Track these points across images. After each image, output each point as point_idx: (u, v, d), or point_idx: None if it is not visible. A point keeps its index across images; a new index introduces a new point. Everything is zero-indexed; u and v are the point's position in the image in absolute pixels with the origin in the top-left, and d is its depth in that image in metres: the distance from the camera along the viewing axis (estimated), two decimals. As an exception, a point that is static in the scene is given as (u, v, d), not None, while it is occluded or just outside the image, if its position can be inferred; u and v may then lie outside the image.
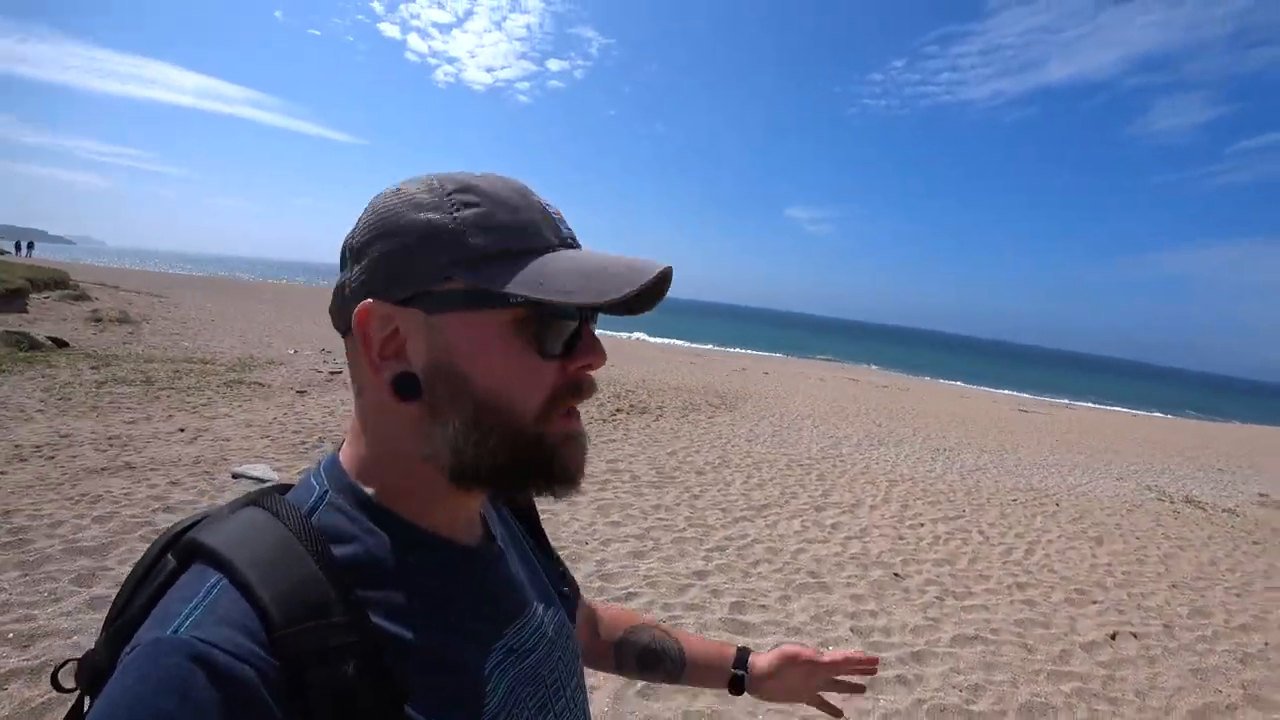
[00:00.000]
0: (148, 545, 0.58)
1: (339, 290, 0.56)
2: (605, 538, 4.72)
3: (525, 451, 0.53)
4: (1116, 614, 4.58)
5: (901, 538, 5.65)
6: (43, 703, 2.42)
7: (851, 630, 3.82)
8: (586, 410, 9.42)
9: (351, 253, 0.54)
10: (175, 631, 0.42)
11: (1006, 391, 33.64)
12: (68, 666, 0.52)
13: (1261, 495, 9.94)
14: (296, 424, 6.74)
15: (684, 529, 5.13)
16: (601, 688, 2.89)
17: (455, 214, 0.51)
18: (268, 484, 0.59)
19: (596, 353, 0.55)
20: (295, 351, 11.52)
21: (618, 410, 9.65)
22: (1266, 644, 4.40)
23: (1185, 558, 6.12)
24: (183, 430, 6.00)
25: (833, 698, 1.02)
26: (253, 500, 0.53)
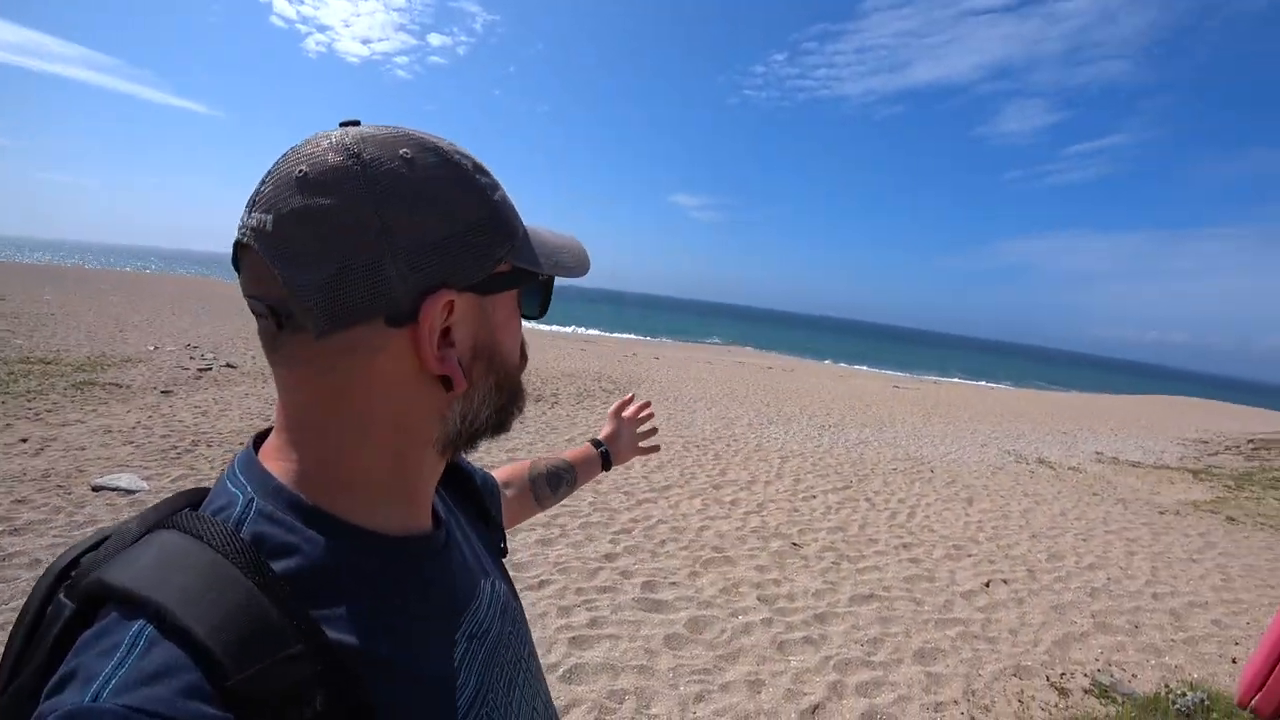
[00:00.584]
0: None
1: (340, 279, 0.44)
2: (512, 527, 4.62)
3: (516, 396, 0.58)
4: (989, 564, 5.05)
5: (796, 509, 5.92)
6: None
7: (758, 599, 3.97)
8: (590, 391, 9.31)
9: (376, 233, 0.44)
10: (95, 698, 0.34)
11: (883, 370, 36.09)
12: None
13: (1098, 453, 11.28)
14: (165, 427, 6.11)
15: (589, 514, 5.12)
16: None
17: (493, 196, 0.51)
18: (158, 497, 0.52)
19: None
20: (155, 347, 10.41)
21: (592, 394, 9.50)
22: (1108, 579, 5.00)
23: (1040, 511, 6.84)
24: (25, 441, 5.26)
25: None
26: (162, 521, 0.45)
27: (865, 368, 37.36)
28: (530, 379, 11.51)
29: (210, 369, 9.01)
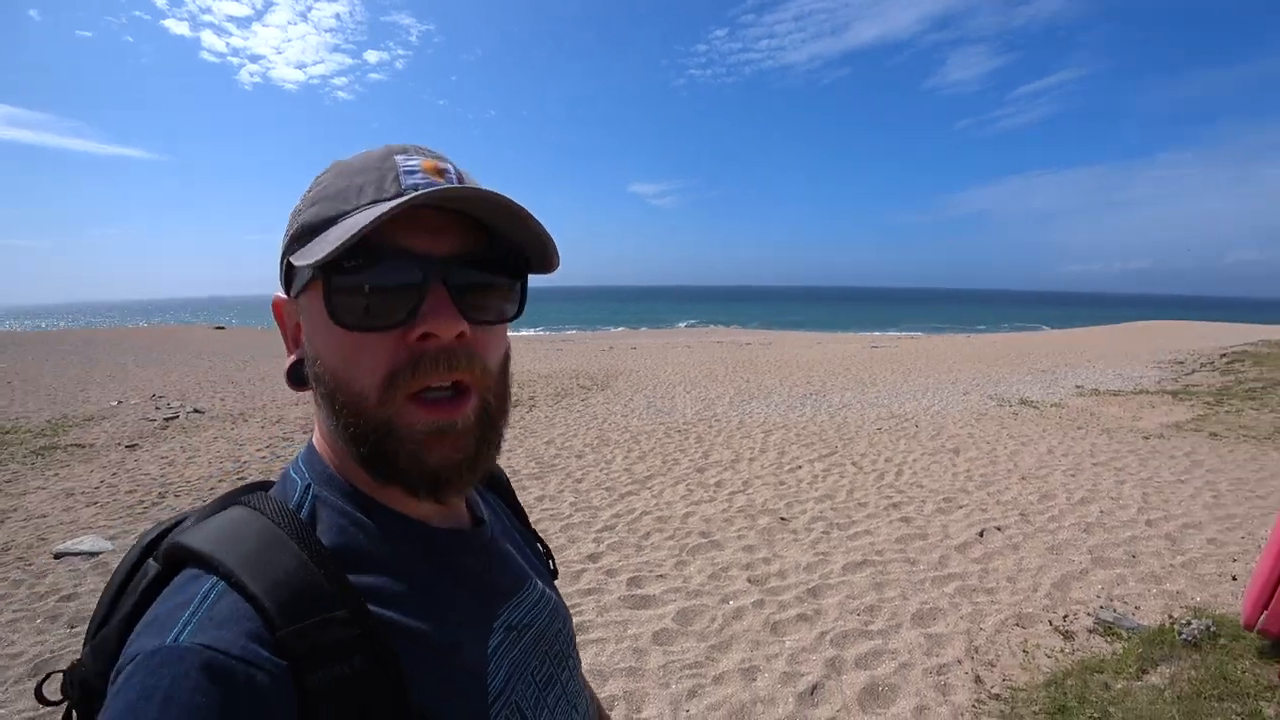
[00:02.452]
0: None
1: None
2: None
3: (373, 441, 0.50)
4: (980, 513, 4.99)
5: (783, 483, 5.83)
6: None
7: (749, 580, 3.86)
8: (562, 392, 9.17)
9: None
10: (176, 640, 0.40)
11: (858, 333, 36.33)
12: (52, 678, 0.53)
13: (1078, 387, 11.36)
14: (130, 482, 5.85)
15: (570, 515, 4.98)
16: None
17: (306, 195, 0.52)
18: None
19: (436, 319, 0.48)
20: (119, 402, 10.06)
21: (560, 397, 9.30)
22: (1101, 512, 4.96)
23: (1028, 452, 6.82)
24: (-20, 516, 5.00)
25: None
26: (234, 500, 0.52)
27: (842, 332, 37.58)
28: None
29: (177, 417, 8.73)
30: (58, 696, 0.50)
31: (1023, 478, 5.90)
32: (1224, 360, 13.88)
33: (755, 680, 2.91)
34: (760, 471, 6.18)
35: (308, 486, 0.53)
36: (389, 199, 0.48)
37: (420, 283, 0.48)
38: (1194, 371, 12.76)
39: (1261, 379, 11.07)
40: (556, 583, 0.76)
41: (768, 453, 6.89)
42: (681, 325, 44.10)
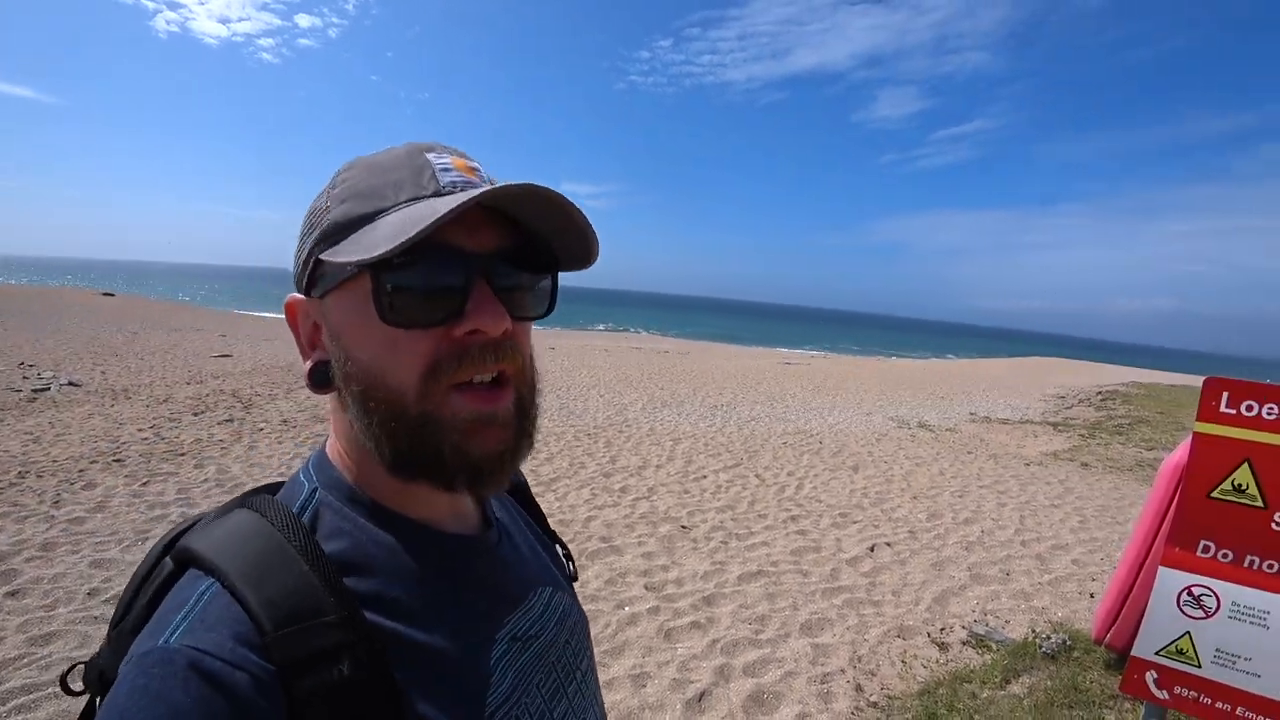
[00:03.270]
0: None
1: None
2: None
3: (412, 436, 0.49)
4: (873, 529, 5.22)
5: (687, 491, 5.90)
6: None
7: (646, 587, 3.87)
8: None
9: None
10: (166, 641, 0.42)
11: (773, 348, 37.41)
12: (76, 669, 0.54)
13: (971, 414, 12.12)
14: None
15: (467, 516, 4.87)
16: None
17: (332, 191, 0.52)
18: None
19: (483, 316, 0.49)
20: None
21: None
22: (982, 531, 5.30)
23: (921, 472, 7.20)
24: None
25: None
26: (242, 502, 0.54)
27: (758, 346, 38.60)
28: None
29: (48, 389, 7.92)
30: (80, 687, 0.53)
31: (914, 497, 6.22)
32: (1099, 398, 15.18)
33: (645, 687, 2.92)
34: (666, 479, 6.24)
35: (314, 490, 0.54)
36: (428, 196, 0.49)
37: (465, 280, 0.49)
38: (1073, 406, 13.88)
39: (1129, 416, 12.17)
40: (577, 585, 0.77)
41: (675, 460, 6.97)
42: (599, 328, 44.13)
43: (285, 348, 14.06)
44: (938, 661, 3.29)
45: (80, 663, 0.53)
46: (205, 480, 5.06)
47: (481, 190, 0.46)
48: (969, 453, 8.46)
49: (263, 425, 6.89)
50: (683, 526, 4.95)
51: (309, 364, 0.54)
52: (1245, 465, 2.23)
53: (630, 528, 4.85)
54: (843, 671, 3.14)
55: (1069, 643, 3.27)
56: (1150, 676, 2.38)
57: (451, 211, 0.44)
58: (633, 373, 14.97)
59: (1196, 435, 2.31)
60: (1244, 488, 2.23)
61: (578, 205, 0.51)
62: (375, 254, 0.45)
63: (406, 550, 0.53)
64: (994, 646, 3.42)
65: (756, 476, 6.59)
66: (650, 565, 4.20)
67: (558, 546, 0.77)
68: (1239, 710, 2.28)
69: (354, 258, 0.46)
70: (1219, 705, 2.31)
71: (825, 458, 7.64)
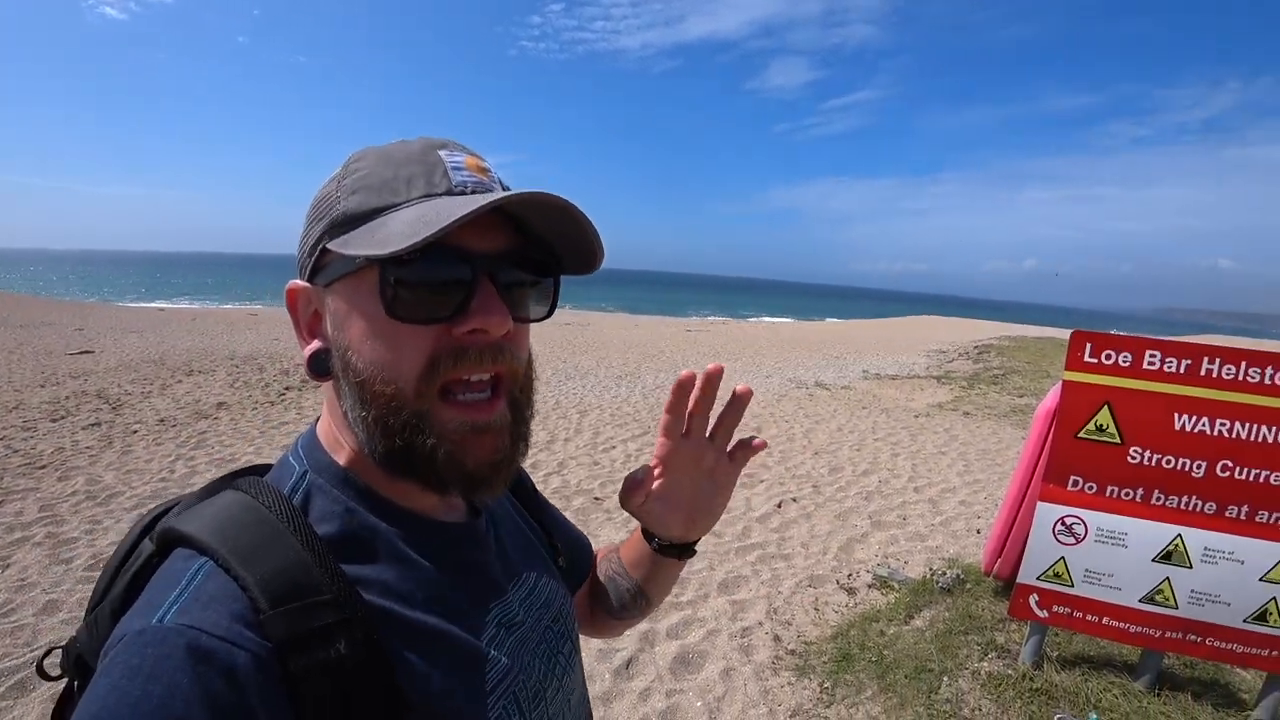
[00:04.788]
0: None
1: None
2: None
3: (404, 433, 0.50)
4: (779, 486, 5.49)
5: (597, 463, 5.98)
6: None
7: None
8: (249, 391, 8.25)
9: None
10: (161, 620, 0.42)
11: (674, 316, 38.03)
12: (53, 654, 0.56)
13: (864, 372, 12.86)
14: None
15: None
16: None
17: (342, 181, 0.52)
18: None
19: (487, 315, 0.50)
20: None
21: (287, 389, 8.40)
22: (879, 481, 5.70)
23: (820, 429, 7.61)
24: None
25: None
26: (227, 483, 0.54)
27: (659, 315, 39.12)
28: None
29: None
30: (57, 671, 0.53)
31: (816, 453, 6.59)
32: (976, 351, 16.49)
33: (569, 658, 2.97)
34: (575, 452, 6.28)
35: (304, 473, 0.55)
36: (440, 194, 0.50)
37: (471, 279, 0.50)
38: (953, 360, 15.01)
39: (1003, 367, 13.31)
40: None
41: (583, 433, 7.02)
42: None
43: (155, 339, 12.92)
44: (847, 605, 3.55)
45: (57, 647, 0.54)
46: (74, 493, 4.58)
47: (499, 196, 0.47)
48: (863, 408, 9.00)
49: (137, 427, 6.31)
50: (595, 498, 5.03)
51: (308, 351, 0.54)
52: (1105, 408, 2.53)
53: (544, 503, 4.87)
54: (761, 624, 3.32)
55: (962, 577, 3.61)
56: (1033, 599, 2.68)
57: (470, 214, 0.45)
58: (534, 346, 14.81)
59: (1065, 383, 2.59)
60: (1105, 427, 2.53)
61: (587, 214, 0.52)
62: (388, 250, 0.46)
63: (398, 535, 0.54)
64: (896, 586, 3.72)
65: (666, 444, 6.74)
66: (567, 539, 4.24)
67: (548, 535, 0.77)
68: (1104, 620, 2.61)
69: (366, 251, 0.47)
70: (1089, 618, 2.64)
71: (731, 421, 7.91)
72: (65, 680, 0.53)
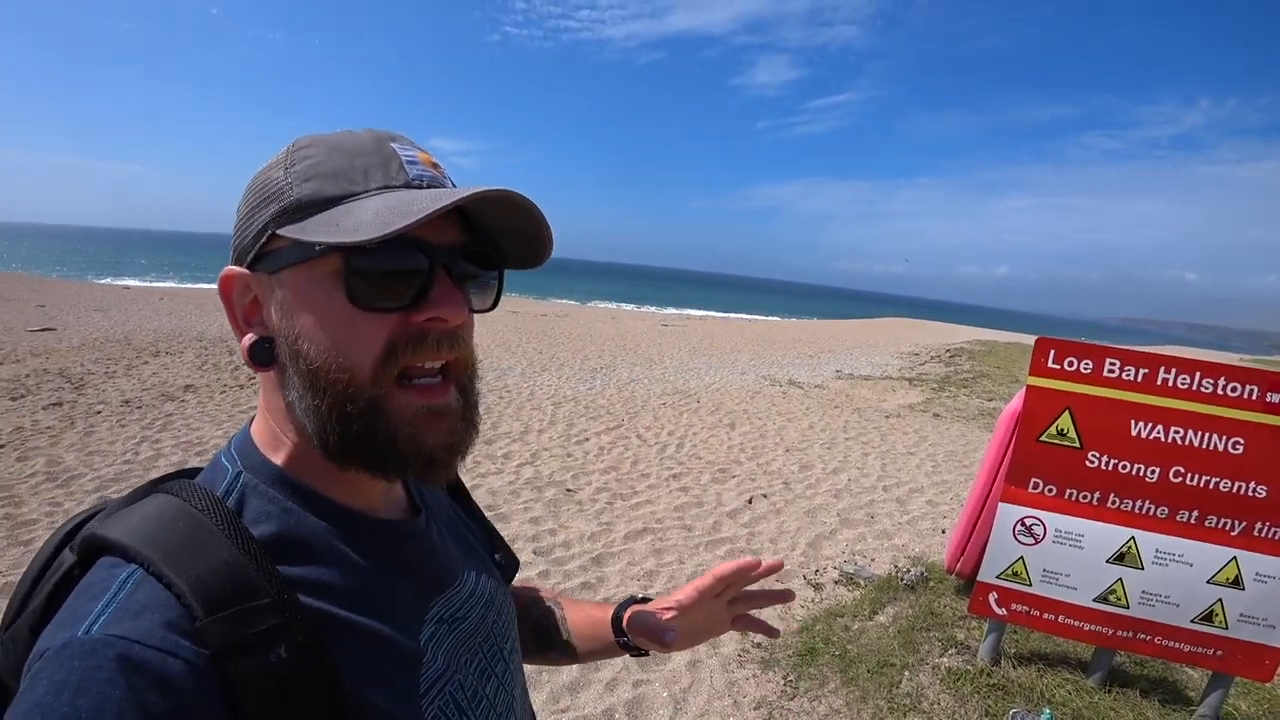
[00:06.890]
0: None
1: None
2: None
3: (361, 419, 0.50)
4: (750, 482, 5.57)
5: (570, 455, 6.00)
6: None
7: (534, 552, 3.94)
8: (218, 374, 8.11)
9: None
10: (88, 631, 0.40)
11: (650, 309, 38.10)
12: None
13: (838, 371, 13.03)
14: None
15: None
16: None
17: (291, 167, 0.52)
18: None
19: (445, 304, 0.51)
20: None
21: (252, 378, 8.29)
22: (849, 480, 5.81)
23: (793, 427, 7.72)
24: None
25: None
26: (156, 487, 0.52)
27: (635, 307, 39.14)
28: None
29: None
30: None
31: (787, 450, 6.68)
32: (948, 354, 16.80)
33: (537, 648, 3.01)
34: (549, 444, 6.30)
35: (238, 474, 0.54)
36: (399, 186, 0.51)
37: (428, 269, 0.51)
38: (926, 362, 15.28)
39: (973, 371, 13.59)
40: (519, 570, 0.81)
41: (556, 424, 7.03)
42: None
43: (121, 318, 12.59)
44: (814, 601, 3.63)
45: None
46: (33, 474, 4.48)
47: (471, 191, 0.49)
48: (836, 407, 9.14)
49: (100, 407, 6.17)
50: (568, 490, 5.06)
51: (247, 341, 0.53)
52: (1066, 413, 2.62)
53: (515, 494, 4.89)
54: (727, 617, 3.38)
55: (925, 574, 3.71)
56: (993, 597, 2.77)
57: (443, 207, 0.47)
58: (510, 337, 14.77)
59: (1029, 388, 2.68)
60: (1065, 432, 2.63)
61: (544, 215, 0.55)
62: (358, 238, 0.46)
63: (336, 535, 0.54)
64: (862, 583, 3.80)
65: (638, 437, 6.79)
66: (538, 530, 4.27)
67: (487, 534, 0.79)
68: (1060, 618, 2.71)
69: (333, 239, 0.47)
70: (1045, 616, 2.73)
71: (704, 416, 7.99)
72: None
